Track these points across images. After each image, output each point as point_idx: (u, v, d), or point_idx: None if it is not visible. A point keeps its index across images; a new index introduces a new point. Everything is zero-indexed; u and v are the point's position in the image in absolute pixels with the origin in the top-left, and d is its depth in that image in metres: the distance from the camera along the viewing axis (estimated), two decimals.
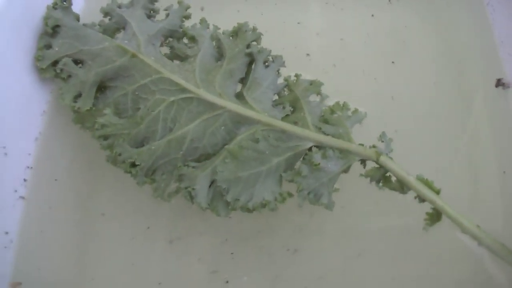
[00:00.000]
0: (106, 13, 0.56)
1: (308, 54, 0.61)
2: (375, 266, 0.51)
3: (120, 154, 0.48)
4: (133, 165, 0.48)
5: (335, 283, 0.51)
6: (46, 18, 0.53)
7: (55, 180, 0.54)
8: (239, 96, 0.51)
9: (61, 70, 0.52)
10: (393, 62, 0.60)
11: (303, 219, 0.53)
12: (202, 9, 0.63)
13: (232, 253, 0.52)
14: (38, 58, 0.53)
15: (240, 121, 0.49)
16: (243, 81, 0.53)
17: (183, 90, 0.50)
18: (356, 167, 0.48)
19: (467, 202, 0.52)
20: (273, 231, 0.53)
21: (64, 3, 0.55)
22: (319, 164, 0.45)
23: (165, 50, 0.55)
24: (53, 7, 0.54)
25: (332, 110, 0.50)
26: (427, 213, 0.45)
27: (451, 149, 0.56)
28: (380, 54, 0.61)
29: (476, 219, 0.43)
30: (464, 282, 0.50)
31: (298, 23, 0.63)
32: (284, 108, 0.50)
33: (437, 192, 0.44)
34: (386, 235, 0.52)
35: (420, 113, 0.57)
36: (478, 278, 0.49)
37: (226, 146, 0.48)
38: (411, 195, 0.46)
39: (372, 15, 0.63)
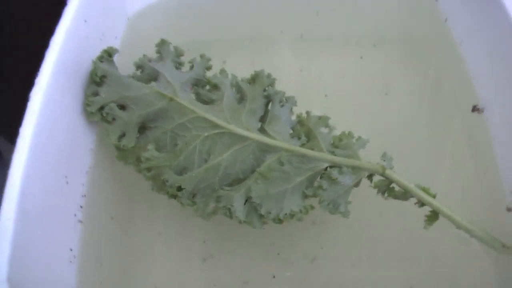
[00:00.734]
0: (138, 66, 0.65)
1: (326, 95, 0.72)
2: (385, 266, 0.60)
3: (167, 181, 0.56)
4: (179, 189, 0.57)
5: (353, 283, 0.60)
6: (94, 70, 0.62)
7: (105, 206, 0.63)
8: (262, 130, 0.60)
9: (107, 114, 0.61)
10: (386, 94, 0.71)
11: (317, 232, 0.62)
12: (224, 62, 0.73)
13: (261, 264, 0.61)
14: (88, 104, 0.61)
15: (266, 149, 0.58)
16: (262, 118, 0.62)
17: (216, 126, 0.59)
18: (363, 185, 0.58)
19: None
20: (292, 244, 0.62)
21: (109, 57, 0.64)
22: (336, 178, 0.55)
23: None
24: (100, 60, 0.63)
25: (340, 138, 0.60)
26: (426, 215, 0.54)
27: (438, 168, 0.66)
28: (372, 89, 0.72)
29: None
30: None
31: (301, 70, 0.74)
32: (299, 138, 0.60)
33: (433, 196, 0.54)
34: (392, 238, 0.61)
35: (409, 139, 0.68)
36: (473, 264, 0.59)
37: (258, 169, 0.57)
38: (411, 202, 0.55)
39: (361, 57, 0.74)
